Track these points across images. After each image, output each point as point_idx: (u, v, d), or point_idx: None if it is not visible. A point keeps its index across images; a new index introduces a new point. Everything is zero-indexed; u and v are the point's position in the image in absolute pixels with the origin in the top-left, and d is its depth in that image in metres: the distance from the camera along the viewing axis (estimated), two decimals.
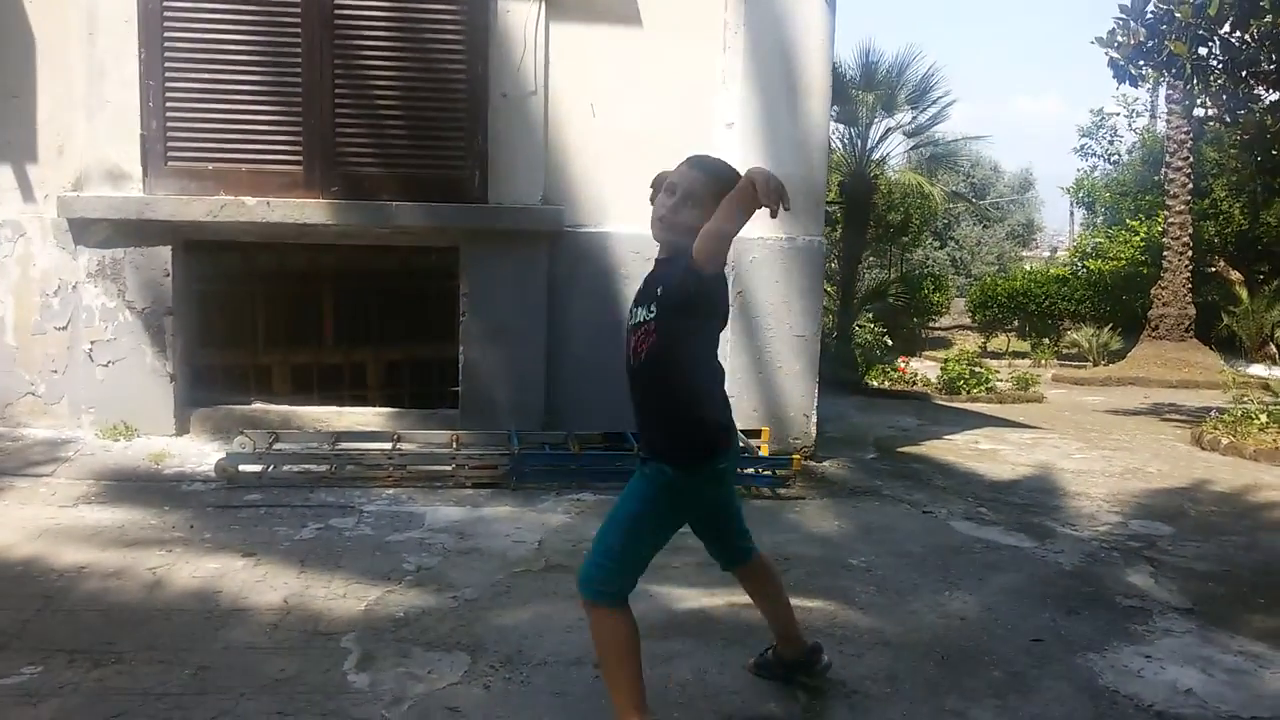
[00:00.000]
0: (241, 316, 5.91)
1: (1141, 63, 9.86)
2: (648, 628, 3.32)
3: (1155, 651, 3.35)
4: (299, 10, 5.48)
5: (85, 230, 5.42)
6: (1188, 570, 4.31)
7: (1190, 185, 16.58)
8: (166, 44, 5.43)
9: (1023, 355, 19.07)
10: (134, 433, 5.41)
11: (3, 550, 3.81)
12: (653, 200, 2.55)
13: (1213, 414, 8.26)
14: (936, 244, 27.02)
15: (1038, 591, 3.91)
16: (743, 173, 2.33)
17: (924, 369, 14.03)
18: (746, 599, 3.63)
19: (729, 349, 5.75)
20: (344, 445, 5.20)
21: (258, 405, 5.76)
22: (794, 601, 3.63)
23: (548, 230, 5.66)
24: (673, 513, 2.57)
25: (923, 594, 3.82)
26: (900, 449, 6.82)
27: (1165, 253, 16.73)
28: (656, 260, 2.53)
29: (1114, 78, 9.92)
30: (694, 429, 2.51)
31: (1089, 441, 7.72)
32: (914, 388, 12.12)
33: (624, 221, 5.64)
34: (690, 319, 2.42)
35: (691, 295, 2.35)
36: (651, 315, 2.41)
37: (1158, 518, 5.20)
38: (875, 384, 12.21)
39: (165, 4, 5.40)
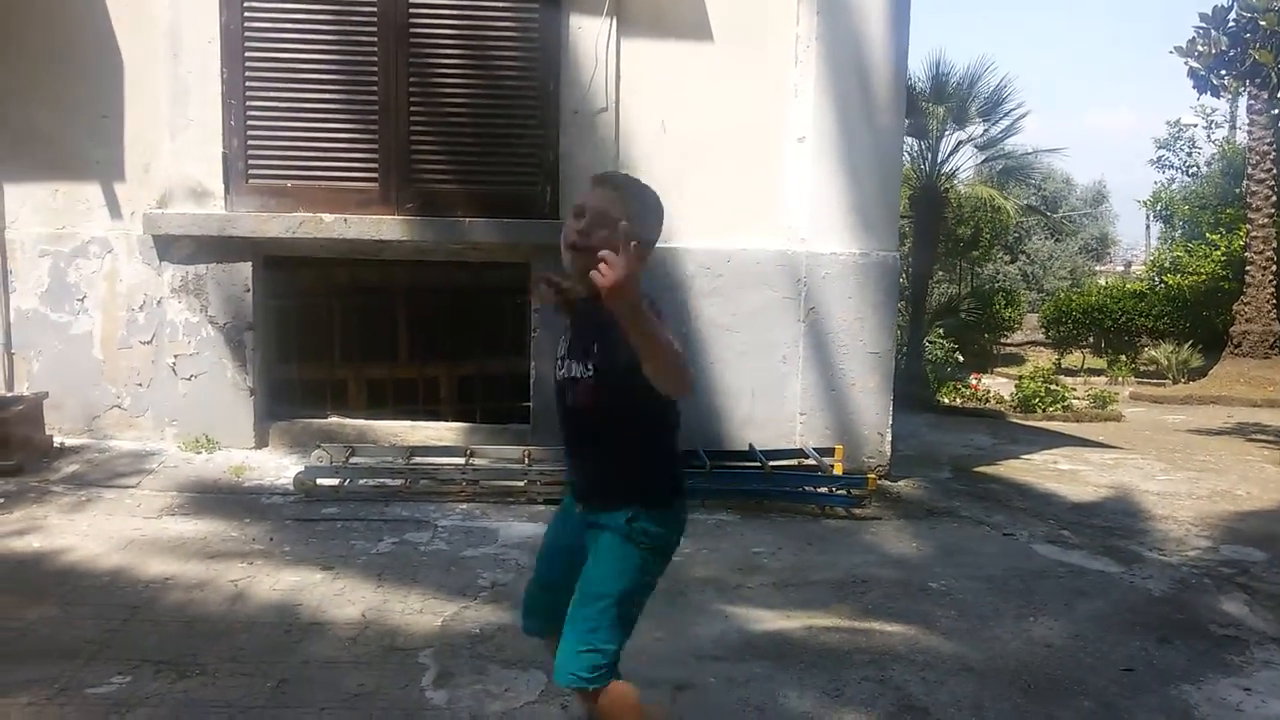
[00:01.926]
0: (318, 331, 5.99)
1: (1223, 72, 9.59)
2: (725, 650, 3.30)
3: (1254, 684, 3.22)
4: (375, 29, 5.57)
5: (169, 246, 5.56)
6: None
7: (1274, 198, 16.04)
8: (247, 63, 5.55)
9: (1098, 372, 18.58)
10: (215, 445, 5.51)
11: (91, 560, 3.90)
12: (570, 225, 2.20)
13: None
14: (1007, 258, 26.49)
15: (1127, 619, 3.79)
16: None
17: (996, 386, 13.77)
18: (825, 621, 3.60)
19: (800, 365, 5.69)
20: (418, 460, 5.24)
21: (334, 419, 5.83)
22: (874, 625, 3.59)
23: None
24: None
25: (1006, 619, 3.72)
26: (976, 469, 6.68)
27: (1248, 267, 16.19)
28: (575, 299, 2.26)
29: (1194, 88, 9.66)
30: (662, 463, 2.32)
31: (1173, 462, 7.49)
32: (987, 405, 11.89)
33: (693, 237, 5.61)
34: (635, 380, 2.04)
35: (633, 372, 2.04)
36: (589, 374, 2.17)
37: (1250, 543, 5.02)
38: (947, 401, 12.01)
39: (246, 24, 5.52)
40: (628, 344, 1.97)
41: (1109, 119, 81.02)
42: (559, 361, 2.28)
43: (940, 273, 20.20)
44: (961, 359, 15.74)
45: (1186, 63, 9.33)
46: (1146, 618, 3.81)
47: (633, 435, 2.23)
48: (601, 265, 1.85)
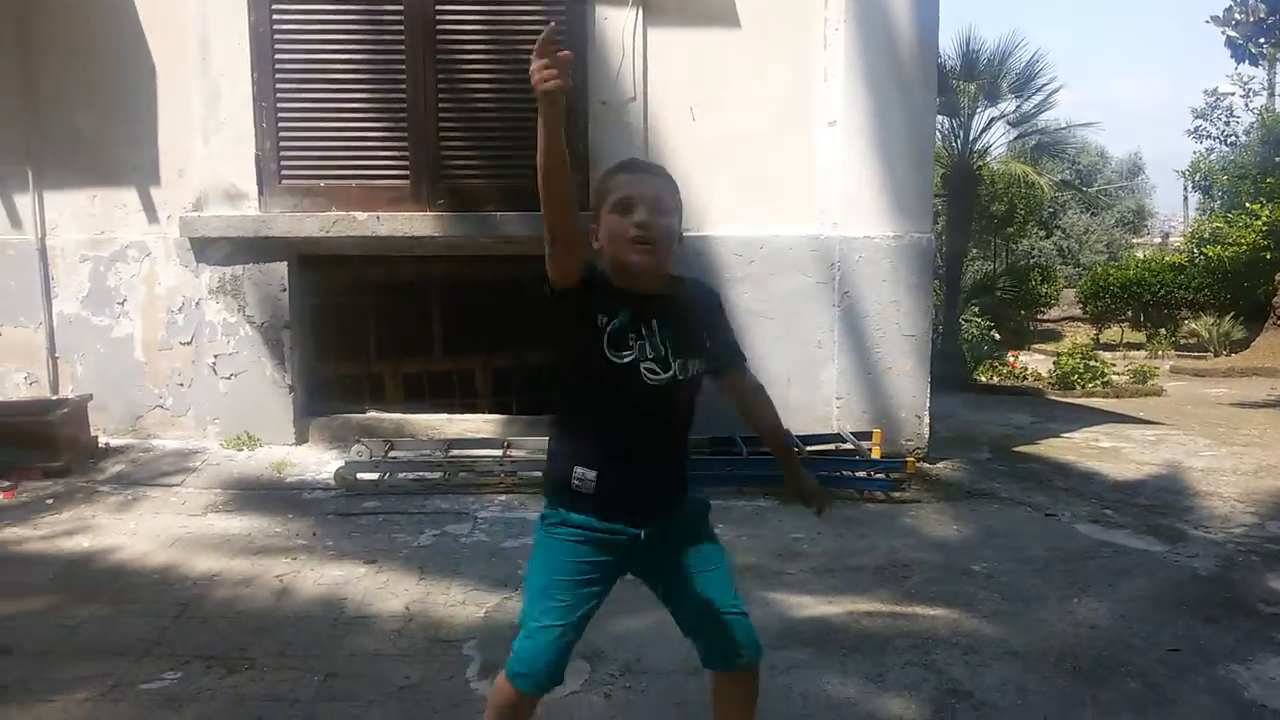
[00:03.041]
0: (354, 328, 6.05)
1: (1262, 40, 9.41)
2: (766, 637, 3.27)
3: None
4: (402, 27, 5.60)
5: (206, 249, 5.63)
6: None
7: None
8: (277, 65, 5.60)
9: (1137, 347, 18.34)
10: (256, 442, 5.59)
11: (140, 558, 3.98)
12: (634, 221, 2.00)
13: None
14: (1042, 233, 26.17)
15: (1172, 598, 3.74)
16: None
17: (1033, 363, 13.65)
18: (867, 606, 3.59)
19: (835, 349, 5.67)
20: (455, 452, 5.28)
21: (372, 414, 5.90)
22: (916, 609, 3.58)
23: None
24: None
25: (1050, 601, 3.69)
26: (1016, 448, 6.62)
27: None
28: (646, 292, 2.04)
29: (1232, 57, 9.52)
30: None
31: (1216, 438, 7.38)
32: (1024, 383, 11.80)
33: (724, 224, 5.61)
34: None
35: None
36: (702, 365, 2.10)
37: None
38: (984, 380, 11.93)
39: (275, 26, 5.57)
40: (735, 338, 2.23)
41: (1144, 89, 79.70)
42: (648, 366, 2.02)
43: (975, 250, 19.99)
44: (998, 337, 15.59)
45: (1224, 32, 9.18)
46: (1192, 597, 3.76)
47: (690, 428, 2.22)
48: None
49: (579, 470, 2.04)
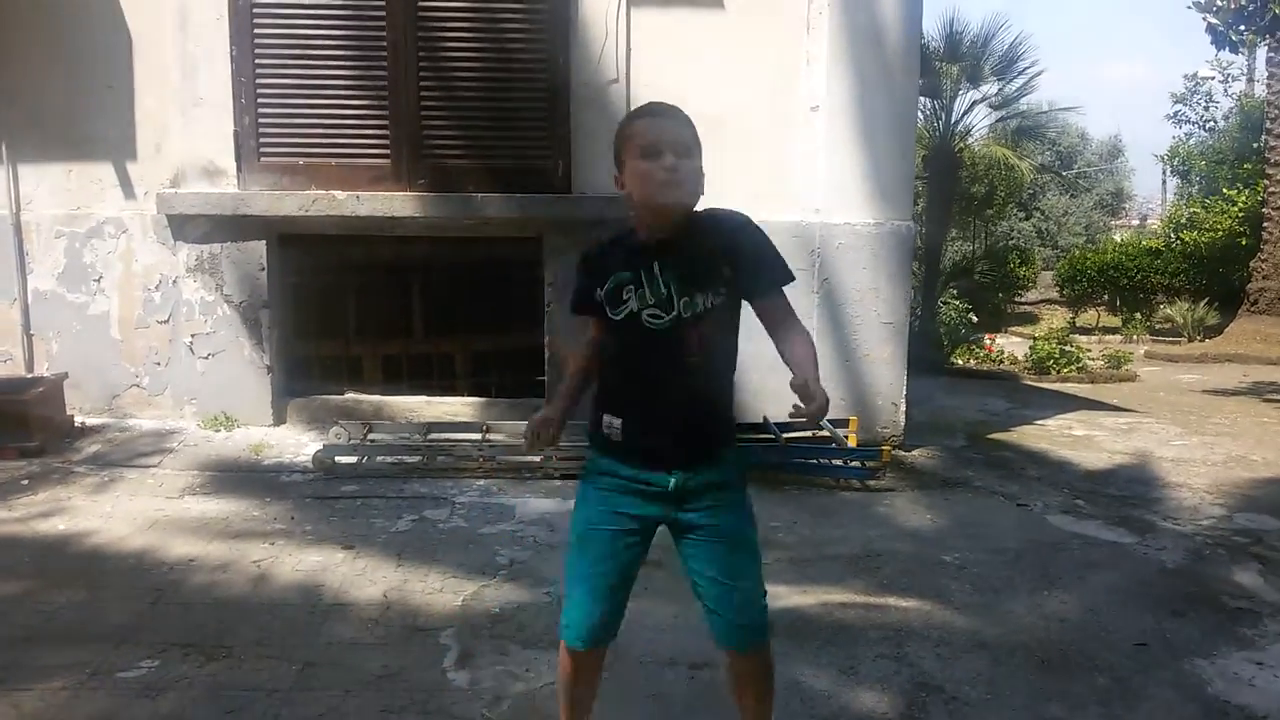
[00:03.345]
0: (333, 308, 6.02)
1: (1243, 27, 9.45)
2: None
3: (1267, 658, 3.24)
4: (384, 4, 5.53)
5: (183, 226, 5.58)
6: None
7: None
8: (256, 40, 5.53)
9: (1113, 331, 18.50)
10: (234, 423, 5.57)
11: (117, 542, 3.97)
12: (663, 165, 2.05)
13: None
14: (1022, 215, 26.27)
15: (1140, 591, 3.81)
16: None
17: (1010, 346, 13.75)
18: (841, 597, 3.64)
19: (815, 336, 5.66)
20: (434, 436, 5.28)
21: (350, 395, 5.88)
22: (889, 600, 3.63)
23: (630, 218, 5.64)
24: None
25: (1020, 593, 3.75)
26: (990, 435, 6.68)
27: (1265, 223, 16.06)
28: (652, 238, 2.11)
29: (1212, 44, 9.58)
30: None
31: (1188, 426, 7.48)
32: (1001, 367, 11.89)
33: (706, 206, 5.59)
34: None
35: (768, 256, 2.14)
36: (720, 299, 2.09)
37: (1265, 510, 5.02)
38: (961, 363, 12.01)
39: (255, 0, 5.49)
40: (778, 260, 2.14)
41: (1126, 71, 79.89)
42: (650, 313, 2.07)
43: (954, 231, 20.05)
44: (975, 319, 15.67)
45: (1205, 18, 9.22)
46: (1160, 590, 3.83)
47: (732, 367, 2.20)
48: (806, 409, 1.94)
49: (607, 418, 2.13)
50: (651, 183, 2.05)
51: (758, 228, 2.16)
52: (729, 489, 2.19)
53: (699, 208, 2.14)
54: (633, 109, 2.21)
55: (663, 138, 2.06)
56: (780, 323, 2.15)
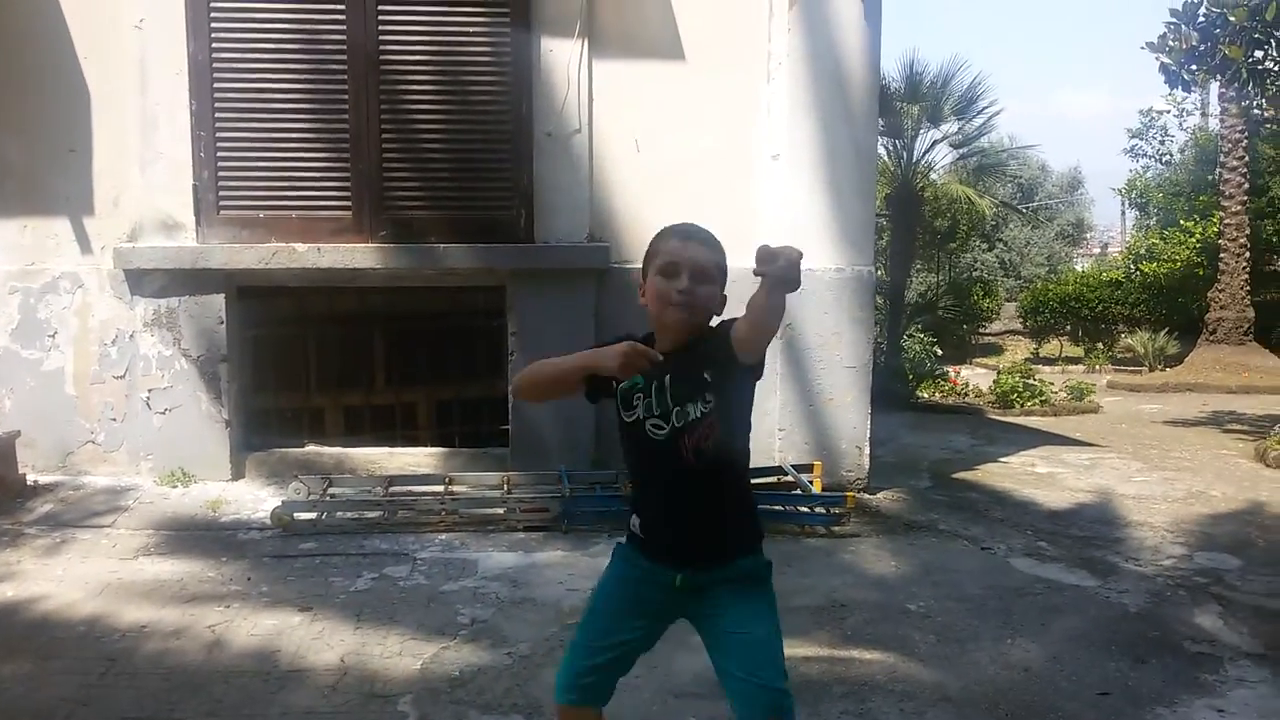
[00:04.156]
0: (293, 359, 5.98)
1: (1194, 67, 9.66)
2: (704, 686, 3.28)
3: (1228, 705, 3.26)
4: (345, 57, 5.54)
5: (141, 280, 5.52)
6: (1258, 608, 4.19)
7: (1246, 185, 16.20)
8: (216, 94, 5.51)
9: (1076, 361, 18.71)
10: (191, 479, 5.48)
11: (67, 608, 3.88)
12: (678, 287, 2.12)
13: (1278, 428, 8.03)
14: (985, 246, 26.59)
15: (1103, 637, 3.82)
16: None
17: (975, 378, 13.85)
18: (805, 650, 3.61)
19: (778, 381, 5.70)
20: (396, 488, 5.23)
21: (311, 448, 5.81)
22: (853, 653, 3.61)
23: (594, 267, 5.66)
24: None
25: (984, 642, 3.75)
26: (955, 475, 6.72)
27: (1222, 254, 16.35)
28: (666, 351, 2.13)
29: (1166, 83, 9.73)
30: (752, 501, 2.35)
31: (1148, 461, 7.56)
32: (966, 400, 11.96)
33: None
34: (746, 388, 2.21)
35: (747, 369, 2.15)
36: (709, 407, 2.12)
37: (1224, 549, 5.07)
38: (926, 396, 12.07)
39: (214, 55, 5.48)
40: (743, 366, 2.10)
41: (1084, 101, 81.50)
42: (653, 422, 2.13)
43: (918, 264, 20.26)
44: (940, 352, 15.79)
45: (1158, 58, 9.39)
46: (1122, 636, 3.84)
47: (743, 469, 2.29)
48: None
49: (633, 518, 2.25)
50: (663, 301, 2.14)
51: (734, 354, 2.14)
52: (745, 585, 2.19)
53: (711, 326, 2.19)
54: (665, 227, 2.25)
55: (684, 259, 2.14)
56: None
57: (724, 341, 2.10)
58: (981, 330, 22.05)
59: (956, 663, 3.57)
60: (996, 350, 21.07)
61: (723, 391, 2.14)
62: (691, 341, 2.16)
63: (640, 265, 2.26)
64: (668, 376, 2.13)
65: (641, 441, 2.17)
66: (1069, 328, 20.55)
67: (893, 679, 3.41)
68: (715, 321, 2.21)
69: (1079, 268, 24.71)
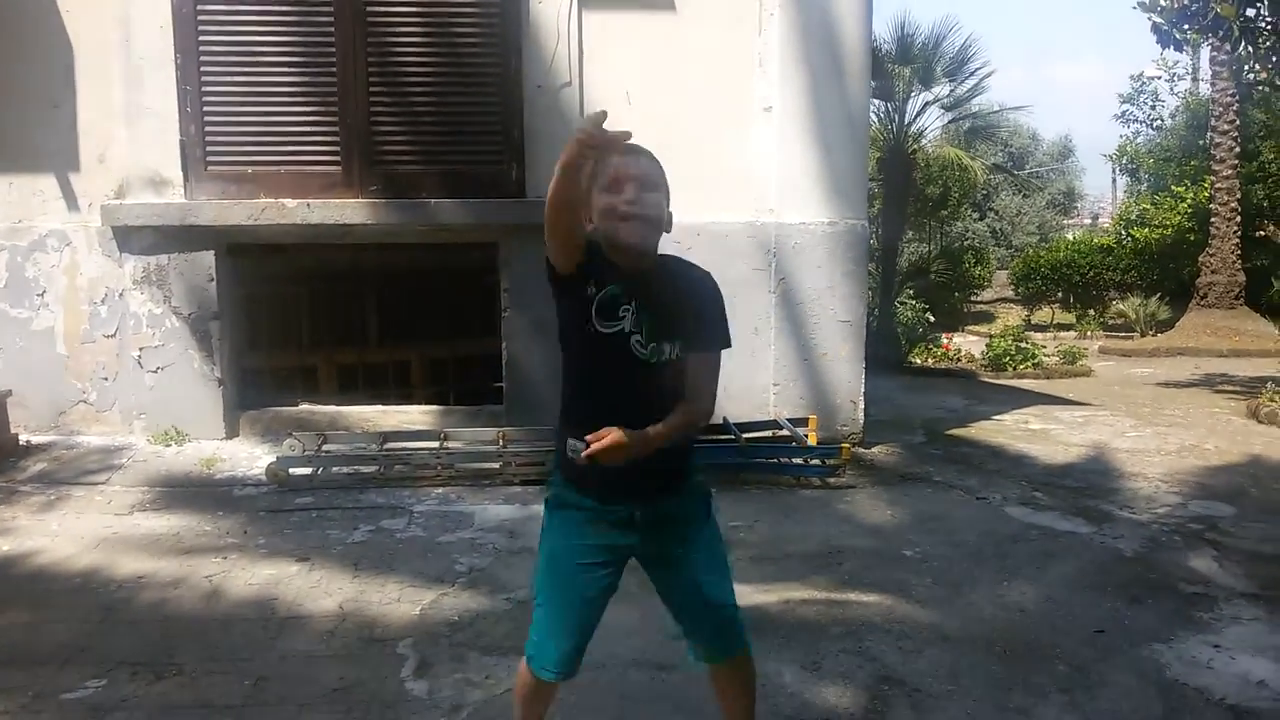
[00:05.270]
0: (286, 318, 5.94)
1: (1186, 26, 9.61)
2: None
3: (1223, 640, 3.27)
4: (331, 9, 5.47)
5: (129, 238, 5.47)
6: (1252, 553, 4.21)
7: (1237, 149, 16.19)
8: (202, 48, 5.44)
9: (1068, 327, 18.75)
10: (185, 437, 5.46)
11: (63, 562, 3.86)
12: (624, 198, 2.04)
13: (1269, 385, 8.06)
14: (976, 215, 26.55)
15: (1098, 580, 3.84)
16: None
17: (967, 345, 13.86)
18: (802, 594, 3.62)
19: (773, 336, 5.69)
20: (391, 445, 5.21)
21: (305, 406, 5.79)
22: (850, 596, 3.63)
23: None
24: None
25: (980, 585, 3.76)
26: (949, 431, 6.72)
27: (1213, 218, 16.35)
28: (633, 272, 2.07)
29: (1157, 43, 9.68)
30: None
31: (1142, 418, 7.57)
32: (958, 365, 11.98)
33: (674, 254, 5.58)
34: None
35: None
36: (678, 356, 2.09)
37: (1218, 498, 5.09)
38: (919, 362, 12.08)
39: (199, 8, 5.41)
40: (723, 325, 2.13)
41: (1075, 71, 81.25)
42: (635, 339, 2.05)
43: (910, 233, 20.23)
44: (932, 319, 15.77)
45: (1149, 18, 9.34)
46: (1118, 578, 3.86)
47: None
48: (605, 443, 1.93)
49: (571, 441, 2.04)
50: (612, 216, 2.04)
51: (717, 287, 2.19)
52: (693, 517, 2.19)
53: (669, 254, 2.15)
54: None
55: (626, 172, 2.06)
56: (693, 380, 2.11)
57: (708, 313, 2.14)
58: (973, 298, 22.05)
59: (953, 604, 3.58)
60: (988, 318, 21.10)
61: (690, 341, 2.12)
62: (661, 269, 2.11)
63: None
64: (642, 297, 2.06)
65: (622, 357, 2.05)
66: (1060, 295, 20.56)
67: (890, 620, 3.42)
68: (686, 260, 2.19)
69: (1070, 237, 24.68)
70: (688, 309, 2.11)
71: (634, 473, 2.03)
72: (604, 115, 1.90)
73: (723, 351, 2.16)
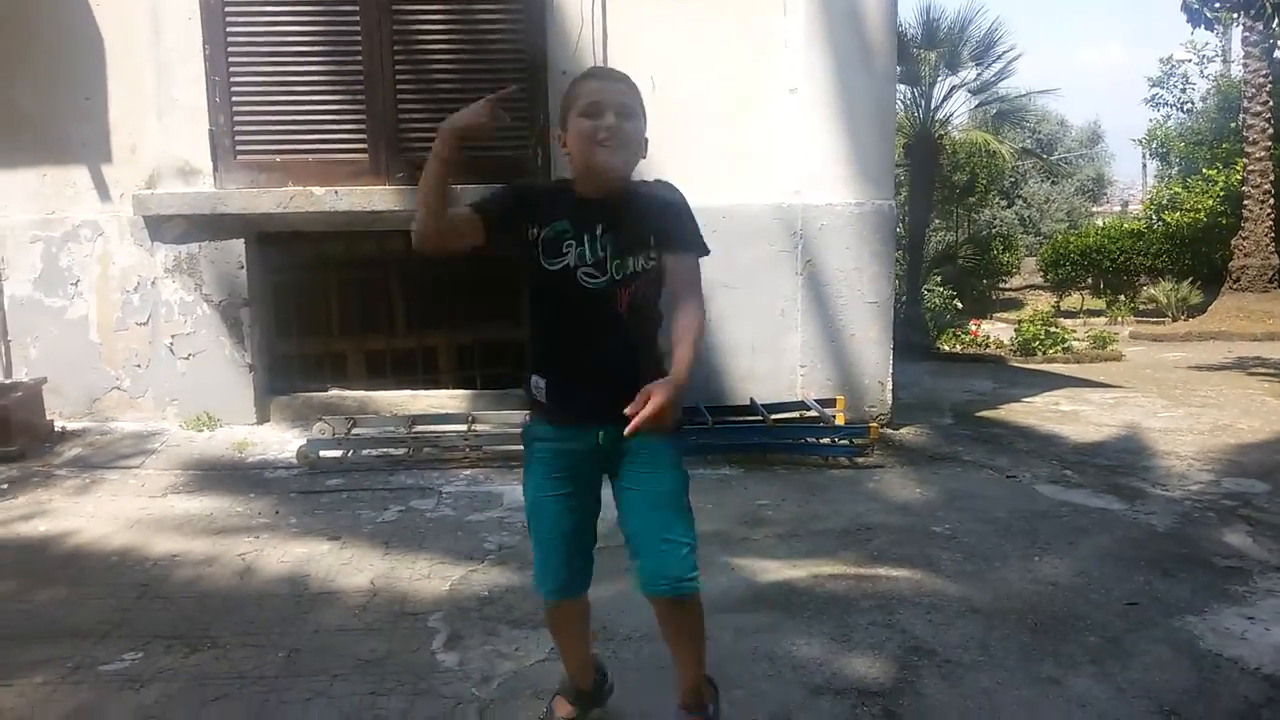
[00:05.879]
0: (315, 305, 5.99)
1: (1217, 4, 9.49)
2: (732, 601, 3.33)
3: (1258, 613, 3.23)
4: None
5: (160, 227, 5.53)
6: None
7: (1271, 130, 15.96)
8: (230, 39, 5.50)
9: (1098, 313, 18.56)
10: (217, 423, 5.52)
11: (99, 541, 3.92)
12: (604, 124, 2.06)
13: None
14: (1004, 203, 26.36)
15: (1130, 554, 3.80)
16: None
17: (996, 331, 13.79)
18: (831, 569, 3.62)
19: (799, 317, 5.68)
20: (420, 428, 5.25)
21: (334, 392, 5.84)
22: (879, 571, 3.62)
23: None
24: None
25: (1011, 560, 3.74)
26: (978, 413, 6.68)
27: (1246, 201, 16.14)
28: (593, 198, 2.12)
29: (1188, 22, 9.58)
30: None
31: (1173, 399, 7.49)
32: (987, 350, 11.91)
33: (688, 193, 5.53)
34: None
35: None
36: (652, 264, 2.13)
37: (1252, 475, 5.03)
38: (946, 348, 12.03)
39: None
40: (695, 229, 2.16)
41: (1101, 57, 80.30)
42: (586, 271, 2.09)
43: (937, 220, 20.12)
44: (960, 306, 15.70)
45: None
46: (1150, 553, 3.82)
47: (658, 327, 2.20)
48: (651, 408, 1.92)
49: (534, 379, 2.15)
50: (589, 141, 2.07)
51: (685, 201, 2.20)
52: (657, 444, 2.16)
53: (642, 178, 2.18)
54: (583, 71, 2.25)
55: (606, 98, 2.08)
56: (681, 290, 2.15)
57: (674, 219, 2.16)
58: (1001, 285, 21.90)
59: (983, 578, 3.56)
60: (1017, 305, 20.93)
61: (660, 254, 2.15)
62: (628, 193, 2.14)
63: None
64: (599, 225, 2.10)
65: (570, 290, 2.10)
66: (1090, 280, 20.37)
67: (919, 593, 3.40)
68: (652, 176, 2.20)
69: (1099, 224, 24.44)
70: (658, 218, 2.15)
71: (598, 394, 2.10)
72: (488, 106, 2.11)
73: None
